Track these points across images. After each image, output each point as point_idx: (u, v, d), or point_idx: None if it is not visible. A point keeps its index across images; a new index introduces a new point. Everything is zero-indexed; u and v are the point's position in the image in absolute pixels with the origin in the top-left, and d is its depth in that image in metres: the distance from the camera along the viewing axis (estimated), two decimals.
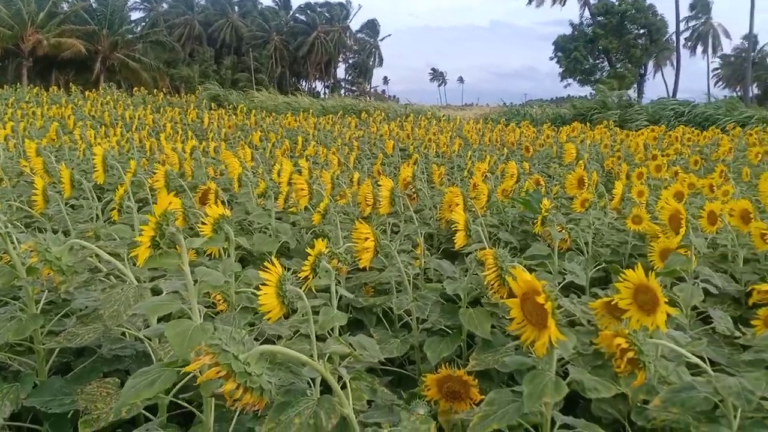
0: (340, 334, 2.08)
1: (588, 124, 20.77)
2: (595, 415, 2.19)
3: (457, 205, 3.56)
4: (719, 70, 72.34)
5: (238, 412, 1.40)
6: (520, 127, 17.44)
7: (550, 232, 3.27)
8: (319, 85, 76.84)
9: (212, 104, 27.93)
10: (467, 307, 2.47)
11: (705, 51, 68.41)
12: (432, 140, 10.74)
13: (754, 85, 66.73)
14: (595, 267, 3.60)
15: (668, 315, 1.80)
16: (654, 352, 1.89)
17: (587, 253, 3.89)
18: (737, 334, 2.55)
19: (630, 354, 1.65)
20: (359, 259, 2.45)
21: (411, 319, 2.59)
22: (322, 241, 2.10)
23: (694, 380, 1.80)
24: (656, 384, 1.98)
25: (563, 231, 3.41)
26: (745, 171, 7.65)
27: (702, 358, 1.84)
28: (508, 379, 2.50)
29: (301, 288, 1.70)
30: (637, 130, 18.74)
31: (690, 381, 1.74)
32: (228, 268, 2.14)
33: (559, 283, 3.14)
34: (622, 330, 1.70)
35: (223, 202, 3.51)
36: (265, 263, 1.69)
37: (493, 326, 2.41)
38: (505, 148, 10.26)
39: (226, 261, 2.24)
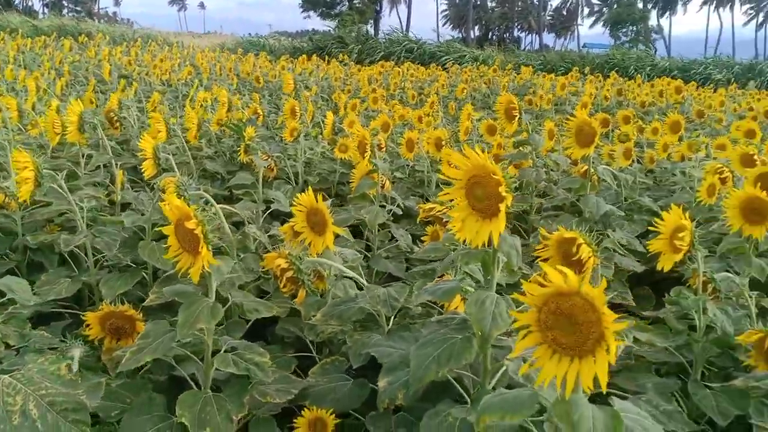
0: None
1: (327, 57, 21.15)
2: (279, 336, 2.26)
3: (159, 132, 3.35)
4: (447, 11, 78.49)
5: None
6: (258, 58, 17.13)
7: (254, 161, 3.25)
8: (37, 3, 66.81)
9: None
10: (152, 241, 2.35)
11: None
12: (158, 67, 10.01)
13: (476, 27, 73.76)
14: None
15: (336, 236, 1.89)
16: (321, 270, 1.98)
17: (298, 181, 3.97)
18: (416, 249, 2.80)
19: (289, 273, 1.70)
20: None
21: (87, 256, 2.38)
22: None
23: (357, 293, 1.92)
24: (331, 299, 2.09)
25: (268, 159, 3.41)
26: (451, 104, 8.46)
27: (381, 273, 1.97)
28: None
29: None
30: (371, 64, 19.61)
31: (354, 294, 1.85)
32: None
33: (264, 211, 3.15)
34: (284, 251, 1.74)
35: None
36: None
37: None
38: (235, 79, 9.97)
39: None
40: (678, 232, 1.92)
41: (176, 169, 2.59)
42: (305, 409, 1.72)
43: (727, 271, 2.54)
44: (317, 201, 1.87)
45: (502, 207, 1.20)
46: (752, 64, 24.62)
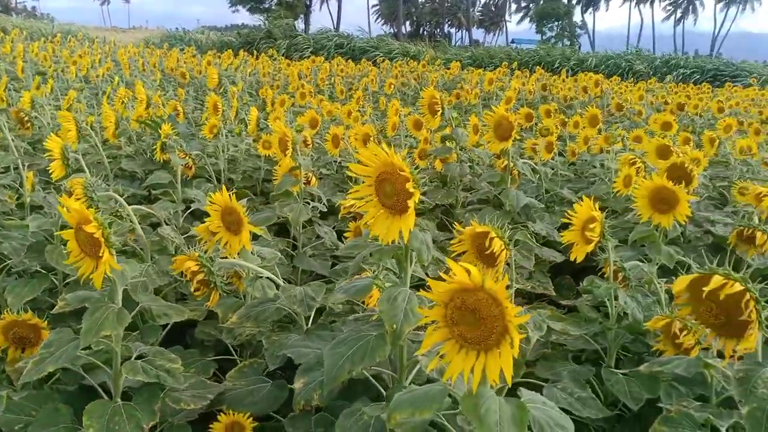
0: None
1: (255, 52, 20.82)
2: (198, 339, 2.20)
3: (69, 131, 3.20)
4: (378, 6, 78.55)
5: None
6: (184, 53, 16.69)
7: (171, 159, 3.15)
8: None
9: None
10: (60, 245, 2.24)
11: None
12: (76, 63, 9.59)
13: (407, 22, 74.15)
14: (230, 193, 3.61)
15: (253, 236, 1.85)
16: (240, 270, 1.93)
17: (221, 179, 3.88)
18: (341, 245, 2.78)
19: (200, 276, 1.66)
20: None
21: None
22: None
23: (277, 293, 1.89)
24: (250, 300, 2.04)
25: (186, 157, 3.32)
26: (381, 100, 8.48)
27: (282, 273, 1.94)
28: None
29: None
30: (301, 60, 19.43)
31: (273, 295, 1.82)
32: None
33: (184, 211, 3.07)
34: (194, 253, 1.69)
35: None
36: None
37: None
38: (159, 74, 9.68)
39: None
40: (589, 223, 1.97)
41: (86, 170, 2.48)
42: (222, 413, 1.67)
43: (640, 259, 2.64)
44: (231, 200, 1.82)
45: (411, 203, 1.20)
46: (669, 58, 25.77)
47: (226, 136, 4.28)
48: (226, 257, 1.84)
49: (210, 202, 1.85)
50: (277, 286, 1.83)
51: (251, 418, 1.66)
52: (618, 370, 2.07)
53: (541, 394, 1.89)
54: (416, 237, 1.27)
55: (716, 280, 1.16)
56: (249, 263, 1.73)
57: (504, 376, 1.03)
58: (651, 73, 21.82)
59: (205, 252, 1.82)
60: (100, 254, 1.41)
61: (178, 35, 31.71)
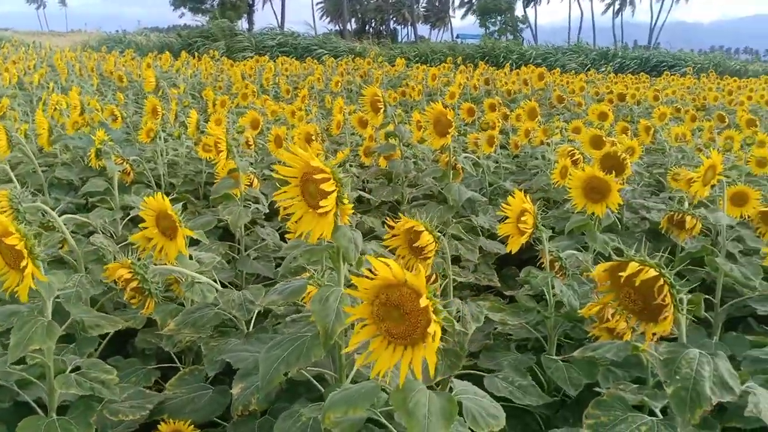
0: None
1: (197, 54, 20.47)
2: (139, 348, 2.16)
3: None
4: (322, 3, 78.13)
5: None
6: (124, 56, 16.30)
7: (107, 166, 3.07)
8: None
9: None
10: None
11: None
12: (9, 70, 9.27)
13: (353, 20, 73.97)
14: (170, 198, 3.55)
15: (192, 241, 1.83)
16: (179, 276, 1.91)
17: (161, 184, 3.81)
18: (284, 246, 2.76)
19: (134, 283, 1.63)
20: None
21: None
22: None
23: (216, 297, 1.87)
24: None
25: (123, 163, 3.25)
26: (327, 98, 8.46)
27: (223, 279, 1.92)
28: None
29: None
30: (243, 60, 19.20)
31: (213, 299, 1.79)
32: None
33: (123, 218, 3.00)
34: (126, 261, 1.66)
35: None
36: None
37: None
38: (96, 78, 9.43)
39: None
40: (522, 215, 2.02)
41: (15, 180, 2.41)
42: (162, 422, 1.65)
43: (579, 248, 2.72)
44: (165, 204, 1.80)
45: (328, 203, 1.20)
46: (607, 50, 26.46)
47: (165, 140, 4.20)
48: (165, 263, 1.81)
49: (144, 207, 1.82)
50: (218, 291, 1.82)
51: (192, 426, 1.64)
52: (558, 357, 2.12)
53: (482, 385, 1.94)
54: (344, 235, 1.28)
55: (632, 267, 1.20)
56: (184, 269, 1.71)
57: (427, 371, 1.05)
58: (589, 65, 22.37)
59: (139, 259, 1.79)
60: (23, 266, 1.37)
61: (117, 38, 30.96)
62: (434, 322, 1.03)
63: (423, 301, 1.01)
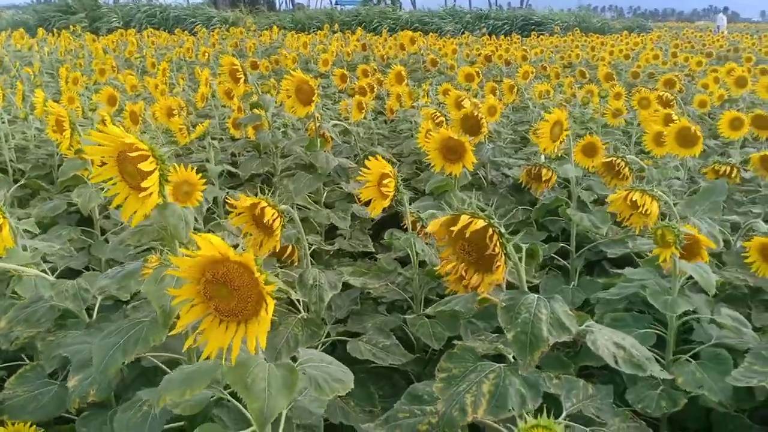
0: None
1: (55, 30, 18.97)
2: None
3: None
4: None
5: None
6: None
7: None
8: None
9: None
10: None
11: None
12: None
13: None
14: (18, 185, 3.30)
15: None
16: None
17: (7, 171, 3.55)
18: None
19: None
20: None
21: None
22: None
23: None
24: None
25: None
26: (196, 70, 8.11)
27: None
28: None
29: None
30: (109, 34, 18.05)
31: (42, 293, 1.68)
32: None
33: None
34: None
35: None
36: None
37: None
38: None
39: None
40: (383, 179, 2.03)
41: None
42: (0, 426, 1.54)
43: (440, 207, 2.78)
44: None
45: (150, 183, 1.14)
46: (481, 12, 27.14)
47: (12, 122, 3.88)
48: None
49: None
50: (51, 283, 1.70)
51: (35, 426, 1.54)
52: (424, 314, 2.17)
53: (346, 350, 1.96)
54: (173, 213, 1.23)
55: (462, 220, 1.24)
56: (7, 263, 1.59)
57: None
58: (462, 29, 22.88)
59: None
60: None
61: None
62: (266, 294, 1.01)
63: (254, 275, 0.98)
